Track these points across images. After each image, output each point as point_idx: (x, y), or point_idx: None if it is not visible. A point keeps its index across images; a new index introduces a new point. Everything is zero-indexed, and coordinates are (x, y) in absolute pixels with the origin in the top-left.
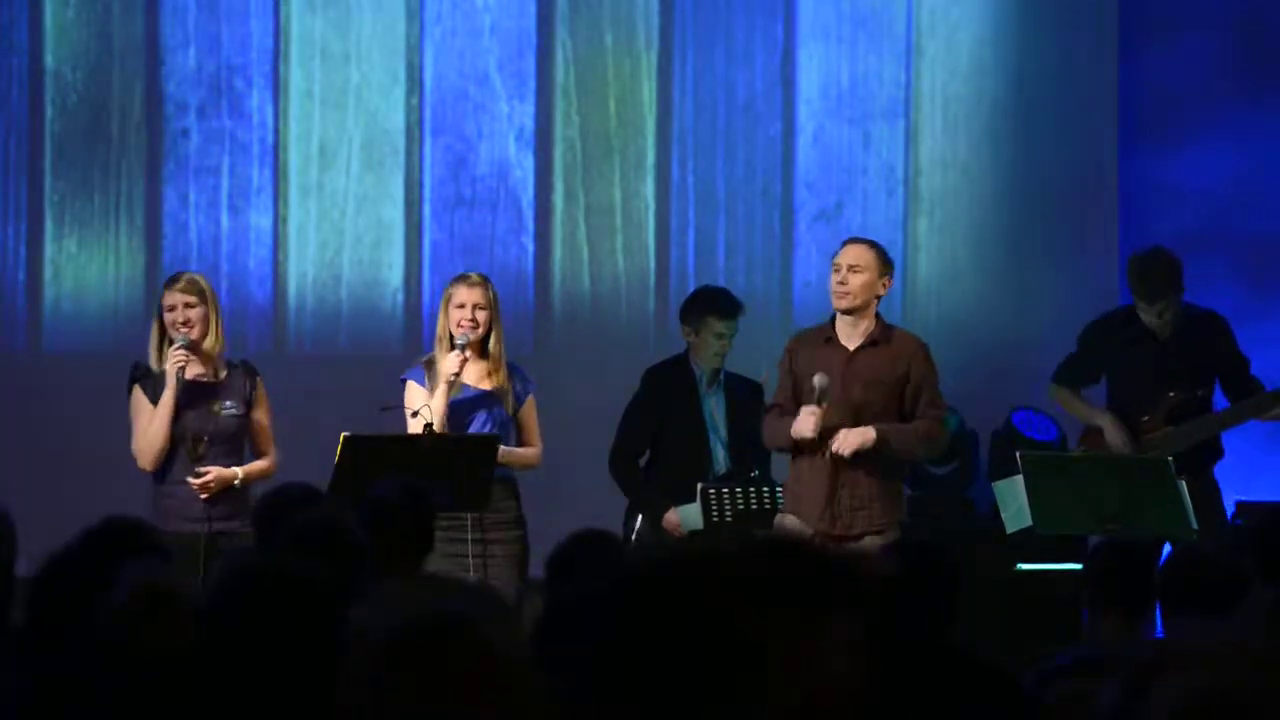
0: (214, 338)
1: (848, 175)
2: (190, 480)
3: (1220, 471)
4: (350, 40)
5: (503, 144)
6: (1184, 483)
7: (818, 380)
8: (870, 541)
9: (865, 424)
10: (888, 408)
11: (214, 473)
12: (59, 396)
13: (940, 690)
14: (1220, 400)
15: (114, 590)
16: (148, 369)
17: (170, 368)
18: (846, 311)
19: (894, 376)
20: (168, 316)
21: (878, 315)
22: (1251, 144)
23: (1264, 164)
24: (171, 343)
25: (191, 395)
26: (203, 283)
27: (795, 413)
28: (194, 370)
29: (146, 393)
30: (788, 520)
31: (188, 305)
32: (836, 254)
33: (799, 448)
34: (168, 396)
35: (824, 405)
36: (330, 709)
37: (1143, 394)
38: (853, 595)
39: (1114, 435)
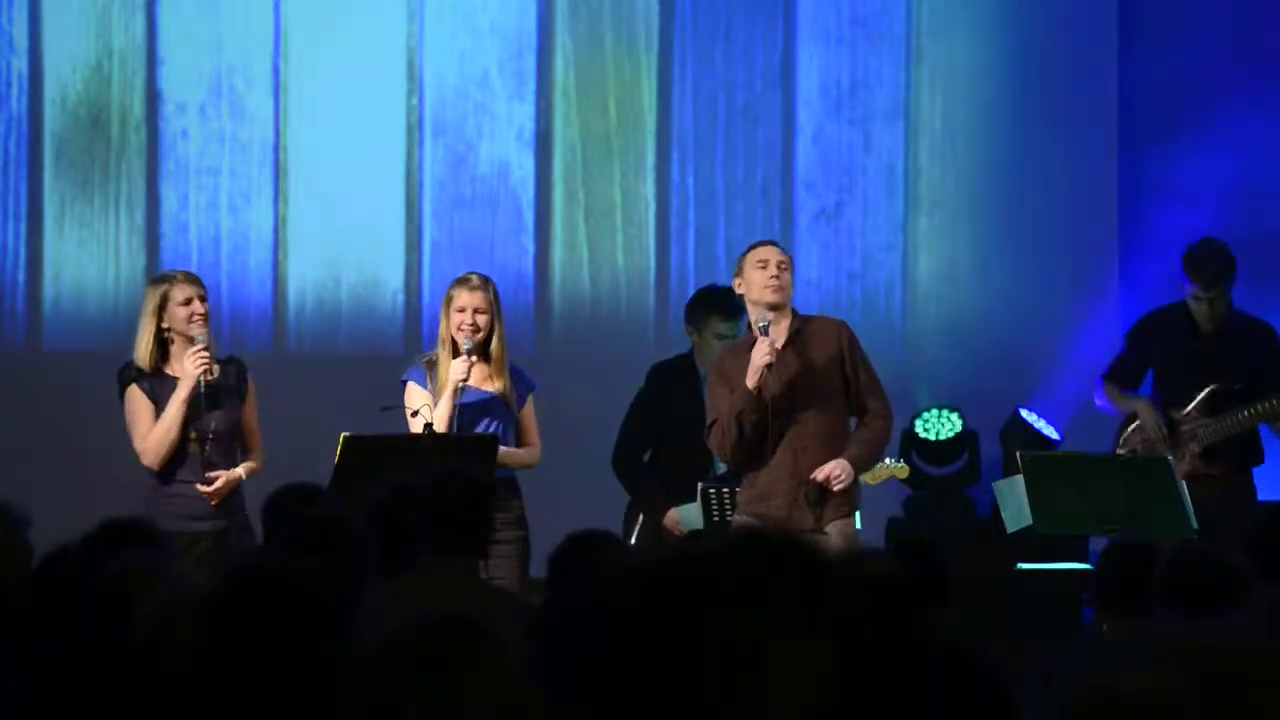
0: (212, 335)
1: (848, 175)
2: (201, 487)
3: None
4: (350, 40)
5: (503, 144)
6: (1184, 483)
7: (757, 322)
8: (835, 528)
9: (815, 413)
10: (831, 391)
11: (224, 477)
12: (59, 396)
13: (931, 683)
14: None
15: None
16: (139, 369)
17: (194, 369)
18: (778, 306)
19: (826, 358)
20: (181, 311)
21: (793, 309)
22: (1251, 144)
23: (1264, 164)
24: (166, 341)
25: (196, 397)
26: (198, 277)
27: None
28: (209, 373)
29: (145, 392)
30: (746, 524)
31: (202, 299)
32: (750, 254)
33: (757, 453)
34: (183, 395)
35: (771, 338)
36: (334, 708)
37: (1182, 385)
38: (852, 594)
39: (1148, 422)
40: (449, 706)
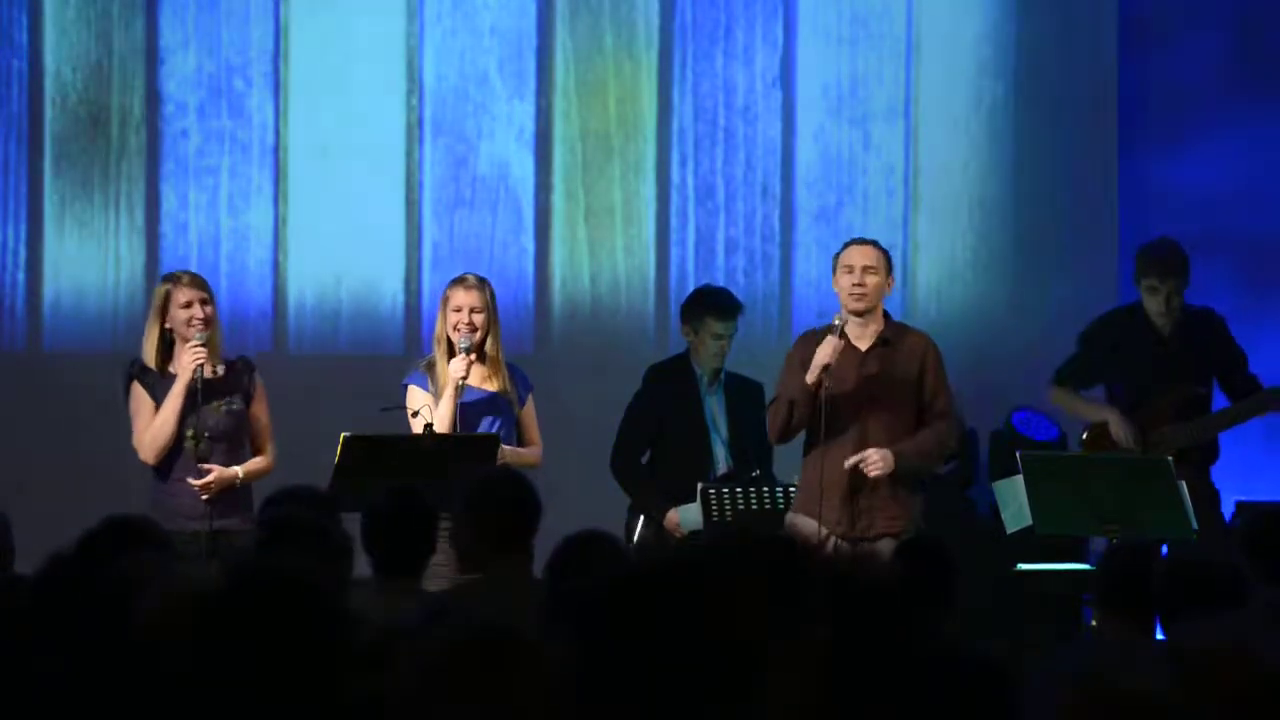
0: (218, 335)
1: (848, 175)
2: (191, 481)
3: (1220, 471)
4: (350, 40)
5: (503, 144)
6: (1184, 483)
7: (838, 317)
8: (886, 543)
9: (881, 421)
10: (903, 404)
11: (215, 473)
12: (59, 396)
13: (934, 682)
14: (1219, 399)
15: (141, 593)
16: (144, 366)
17: (190, 363)
18: (861, 313)
19: (908, 373)
20: (182, 313)
21: (885, 313)
22: (1251, 144)
23: (1264, 164)
24: (172, 340)
25: (192, 392)
26: (203, 279)
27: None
28: (208, 368)
29: (146, 389)
30: (799, 520)
31: (203, 301)
32: (841, 254)
33: (811, 439)
34: (179, 389)
35: (842, 340)
36: (333, 707)
37: (1144, 391)
38: (852, 595)
39: (1120, 430)
40: (492, 710)
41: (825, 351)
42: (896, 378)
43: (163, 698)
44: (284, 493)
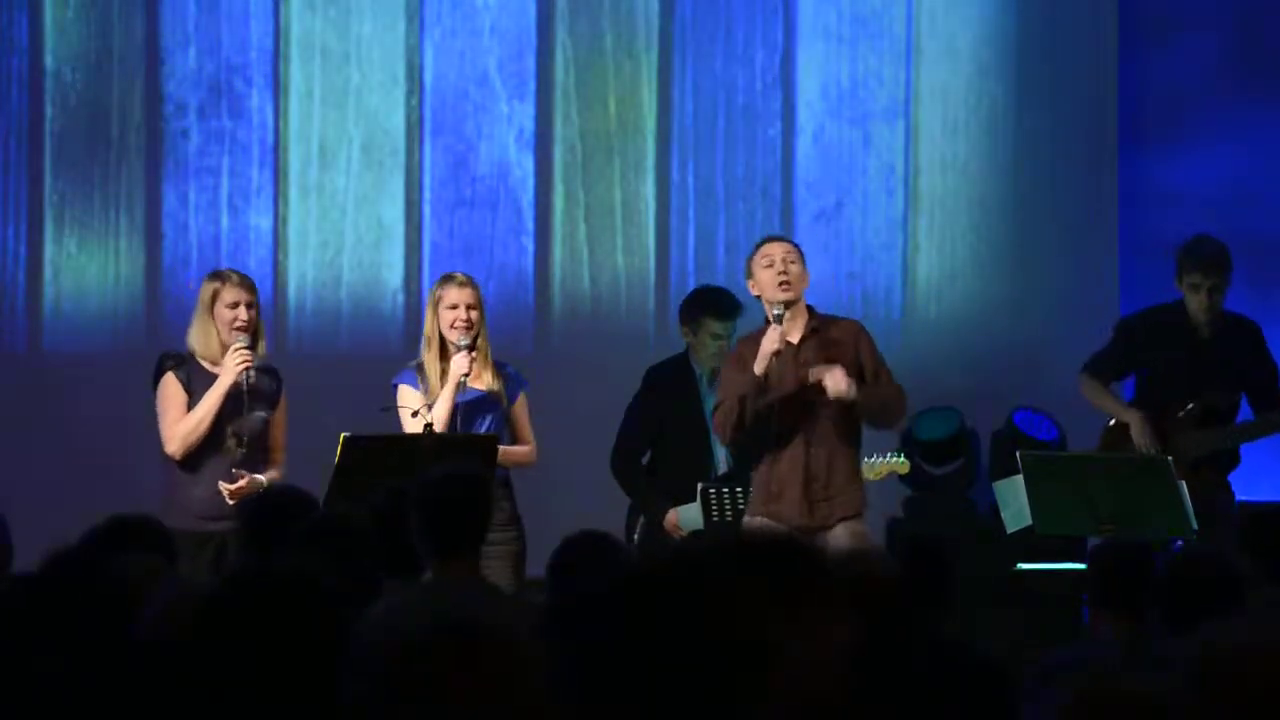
0: (262, 341)
1: (848, 175)
2: (224, 485)
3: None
4: (350, 40)
5: (503, 144)
6: (1184, 483)
7: (771, 311)
8: (844, 527)
9: (828, 410)
10: None
11: (248, 480)
12: (59, 396)
13: (934, 682)
14: (1244, 410)
15: (151, 596)
16: (181, 357)
17: (235, 366)
18: (788, 304)
19: (844, 357)
20: (227, 313)
21: (809, 305)
22: (1251, 144)
23: (1264, 164)
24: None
25: (228, 395)
26: (252, 281)
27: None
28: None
29: (181, 382)
30: (755, 523)
31: (249, 304)
32: (756, 253)
33: (767, 428)
34: (221, 389)
35: (783, 330)
36: (333, 707)
37: (1176, 391)
38: (854, 595)
39: (1141, 435)
40: (451, 709)
41: (771, 339)
42: (834, 362)
43: (162, 698)
44: (274, 493)
